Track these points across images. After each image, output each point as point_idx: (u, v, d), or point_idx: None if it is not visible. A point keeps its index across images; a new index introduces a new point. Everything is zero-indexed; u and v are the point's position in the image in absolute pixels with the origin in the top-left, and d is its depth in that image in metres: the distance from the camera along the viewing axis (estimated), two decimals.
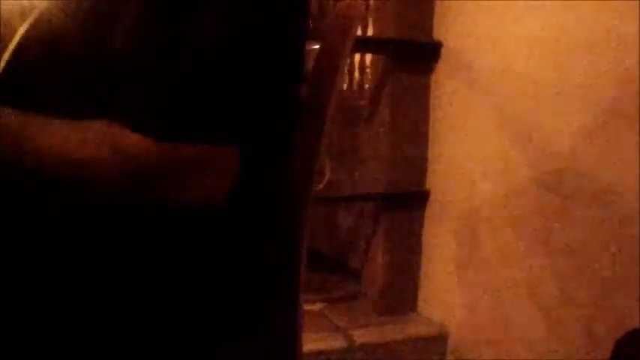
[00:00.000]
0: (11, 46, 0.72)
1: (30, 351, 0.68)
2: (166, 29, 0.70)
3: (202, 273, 0.75)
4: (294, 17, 0.76)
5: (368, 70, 2.36)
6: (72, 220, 0.69)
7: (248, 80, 0.70)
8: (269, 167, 0.78)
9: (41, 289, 0.69)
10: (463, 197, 1.96)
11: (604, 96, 1.51)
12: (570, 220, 1.61)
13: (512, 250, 1.79)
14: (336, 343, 1.90)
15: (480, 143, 1.90)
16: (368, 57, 2.34)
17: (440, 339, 2.02)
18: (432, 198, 2.09)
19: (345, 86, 2.48)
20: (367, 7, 2.31)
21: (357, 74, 2.49)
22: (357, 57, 2.43)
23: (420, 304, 2.14)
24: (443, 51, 2.03)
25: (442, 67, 2.04)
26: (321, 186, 2.18)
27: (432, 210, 2.09)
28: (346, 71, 2.42)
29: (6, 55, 0.72)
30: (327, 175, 2.28)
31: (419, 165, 2.09)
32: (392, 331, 2.01)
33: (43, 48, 0.73)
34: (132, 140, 0.66)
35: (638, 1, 1.42)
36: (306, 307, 1.61)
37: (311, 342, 1.78)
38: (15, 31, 0.73)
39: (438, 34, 2.04)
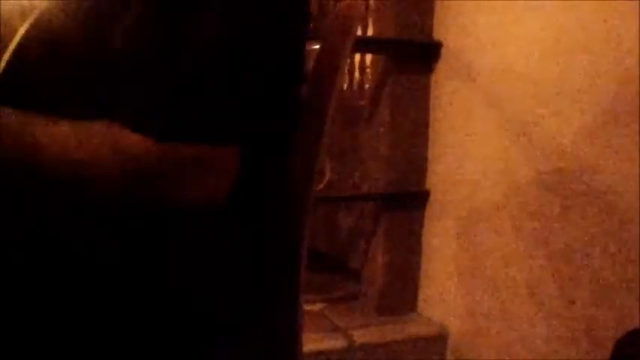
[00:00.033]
0: (11, 46, 0.72)
1: (30, 351, 0.68)
2: (166, 29, 0.70)
3: (202, 273, 0.75)
4: (294, 17, 0.76)
5: (368, 70, 2.36)
6: (72, 220, 0.69)
7: (248, 80, 0.70)
8: (269, 167, 0.78)
9: (41, 289, 0.69)
10: (463, 197, 1.96)
11: (604, 96, 1.51)
12: (570, 220, 1.61)
13: (512, 250, 1.79)
14: (336, 343, 1.90)
15: (480, 143, 1.90)
16: (368, 57, 2.34)
17: (440, 339, 2.02)
18: (432, 198, 2.09)
19: (345, 86, 2.48)
20: (367, 7, 2.31)
21: (357, 74, 2.49)
22: (357, 57, 2.43)
23: (420, 304, 2.14)
24: (443, 51, 2.03)
25: (442, 67, 2.04)
26: (321, 186, 2.18)
27: (432, 210, 2.09)
28: (346, 71, 2.42)
29: (6, 55, 0.72)
30: (327, 175, 2.28)
31: (419, 165, 2.09)
32: (392, 331, 2.01)
33: (43, 48, 0.73)
34: (132, 140, 0.66)
35: (638, 1, 1.42)
36: (306, 307, 1.61)
37: (311, 342, 1.78)
38: (15, 31, 0.73)
39: (438, 34, 2.04)
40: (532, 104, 1.71)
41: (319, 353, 1.82)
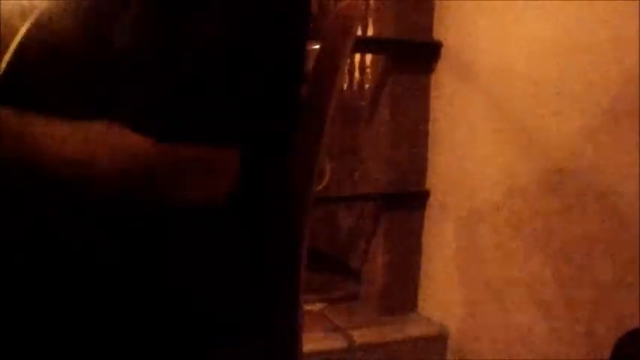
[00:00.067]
0: (12, 47, 0.72)
1: (30, 351, 0.68)
2: (166, 29, 0.70)
3: (202, 273, 0.75)
4: (295, 17, 0.76)
5: (368, 70, 2.36)
6: (72, 220, 0.69)
7: (248, 80, 0.70)
8: (269, 167, 0.78)
9: (41, 289, 0.69)
10: (463, 197, 1.96)
11: (604, 96, 1.51)
12: (570, 220, 1.61)
13: (512, 250, 1.79)
14: (336, 343, 1.90)
15: (479, 143, 1.90)
16: (368, 57, 2.34)
17: (440, 339, 2.02)
18: (432, 198, 2.09)
19: (345, 86, 2.48)
20: (367, 7, 2.31)
21: (357, 74, 2.49)
22: (357, 57, 2.43)
23: (420, 304, 2.14)
24: (443, 51, 2.03)
25: (442, 67, 2.04)
26: (321, 186, 2.18)
27: (432, 210, 2.09)
28: (346, 71, 2.42)
29: (7, 56, 0.72)
30: (327, 175, 2.28)
31: (419, 165, 2.09)
32: (392, 331, 2.01)
33: (43, 48, 0.73)
34: (132, 140, 0.66)
35: (638, 2, 1.42)
36: (306, 307, 1.61)
37: (311, 342, 1.78)
38: (15, 31, 0.73)
39: (438, 34, 2.04)
40: (532, 104, 1.71)
41: (319, 353, 1.82)
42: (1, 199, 0.69)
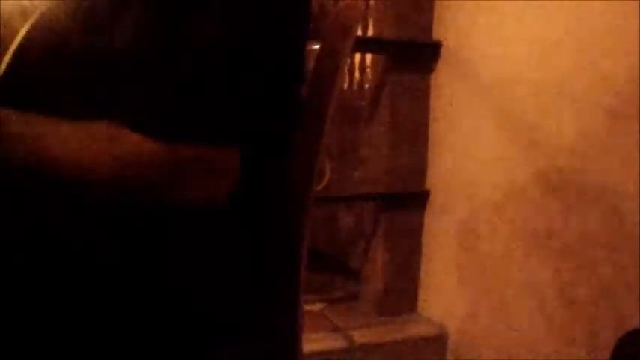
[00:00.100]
0: (13, 47, 0.72)
1: (30, 351, 0.68)
2: (166, 29, 0.70)
3: (202, 273, 0.75)
4: (295, 17, 0.76)
5: (368, 70, 2.36)
6: (72, 220, 0.69)
7: (248, 80, 0.70)
8: (269, 167, 0.78)
9: (41, 289, 0.69)
10: (463, 197, 1.96)
11: (604, 96, 1.51)
12: (570, 220, 1.61)
13: (512, 250, 1.79)
14: (336, 343, 1.90)
15: (480, 143, 1.90)
16: (368, 57, 2.34)
17: (440, 339, 2.02)
18: (432, 198, 2.09)
19: (345, 86, 2.48)
20: (367, 7, 2.31)
21: (357, 74, 2.49)
22: (357, 57, 2.43)
23: (420, 304, 2.14)
24: (443, 51, 2.03)
25: (442, 67, 2.04)
26: (321, 186, 2.18)
27: (432, 210, 2.09)
28: (346, 71, 2.42)
29: (7, 57, 0.72)
30: (327, 175, 2.28)
31: (419, 165, 2.09)
32: (392, 331, 2.01)
33: (44, 49, 0.73)
34: (132, 141, 0.66)
35: (638, 1, 1.42)
36: (306, 307, 1.61)
37: (311, 342, 1.78)
38: (16, 31, 0.73)
39: (438, 34, 2.04)
40: (532, 104, 1.71)
41: (319, 353, 1.82)
42: (1, 199, 0.69)
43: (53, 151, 0.66)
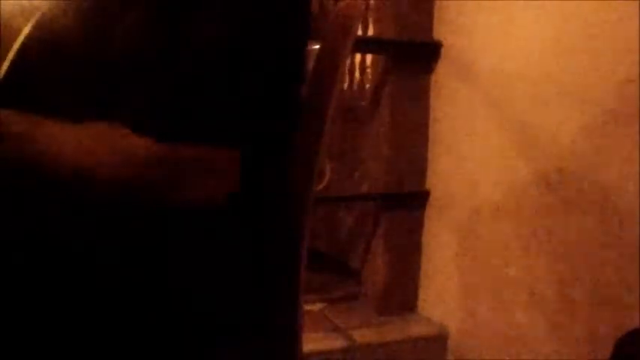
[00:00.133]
0: (14, 48, 0.72)
1: (30, 351, 0.68)
2: (166, 29, 0.70)
3: (202, 273, 0.75)
4: (295, 17, 0.76)
5: (368, 70, 2.36)
6: (72, 220, 0.69)
7: (248, 80, 0.70)
8: (269, 167, 0.78)
9: (41, 289, 0.69)
10: (463, 197, 1.96)
11: (604, 96, 1.51)
12: (570, 220, 1.61)
13: (512, 250, 1.79)
14: (336, 343, 1.90)
15: (480, 143, 1.90)
16: (368, 57, 2.34)
17: (440, 339, 2.02)
18: (432, 198, 2.09)
19: (345, 86, 2.48)
20: (367, 7, 2.31)
21: (357, 74, 2.49)
22: (357, 57, 2.43)
23: (420, 304, 2.14)
24: (443, 51, 2.03)
25: (442, 67, 2.04)
26: (321, 186, 2.18)
27: (432, 210, 2.09)
28: (346, 71, 2.42)
29: (10, 57, 0.72)
30: (327, 175, 2.28)
31: (419, 165, 2.09)
32: (392, 331, 2.01)
33: (44, 49, 0.73)
34: (132, 141, 0.66)
35: (638, 1, 1.42)
36: (306, 307, 1.61)
37: (311, 342, 1.78)
38: (16, 32, 0.73)
39: (438, 34, 2.04)
40: (532, 104, 1.71)
41: (319, 353, 1.82)
42: (1, 199, 0.69)
43: (53, 151, 0.66)
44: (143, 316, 0.71)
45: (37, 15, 0.74)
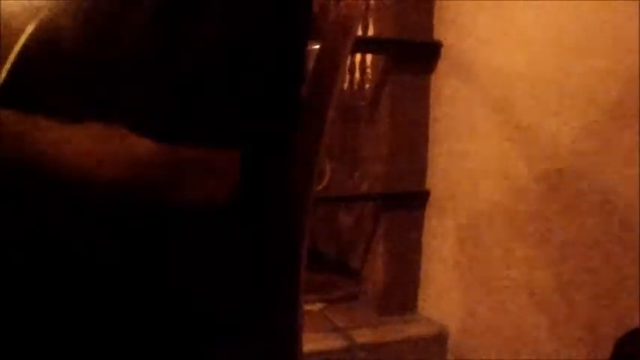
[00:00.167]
0: (16, 48, 0.72)
1: (30, 351, 0.68)
2: (166, 29, 0.70)
3: (202, 273, 0.75)
4: (295, 17, 0.76)
5: (368, 70, 2.36)
6: (72, 220, 0.69)
7: (248, 80, 0.70)
8: (269, 167, 0.78)
9: (41, 289, 0.69)
10: (463, 197, 1.96)
11: (604, 96, 1.51)
12: (570, 220, 1.61)
13: (512, 250, 1.79)
14: (336, 343, 1.90)
15: (480, 143, 1.90)
16: (368, 57, 2.34)
17: (440, 339, 2.02)
18: (432, 198, 2.09)
19: (345, 86, 2.48)
20: (367, 7, 2.31)
21: (357, 74, 2.49)
22: (357, 57, 2.43)
23: (420, 304, 2.14)
24: (443, 51, 2.03)
25: (442, 67, 2.04)
26: (321, 186, 2.18)
27: (432, 210, 2.09)
28: (346, 71, 2.42)
29: (11, 58, 0.72)
30: (327, 175, 2.28)
31: (419, 165, 2.09)
32: (392, 331, 2.01)
33: (44, 49, 0.73)
34: (132, 141, 0.66)
35: (638, 1, 1.42)
36: (306, 307, 1.61)
37: (311, 342, 1.78)
38: (17, 32, 0.73)
39: (438, 34, 2.04)
40: (532, 104, 1.71)
41: (319, 353, 1.82)
42: (1, 199, 0.69)
43: (53, 152, 0.66)
44: (143, 316, 0.71)
45: (38, 16, 0.74)
